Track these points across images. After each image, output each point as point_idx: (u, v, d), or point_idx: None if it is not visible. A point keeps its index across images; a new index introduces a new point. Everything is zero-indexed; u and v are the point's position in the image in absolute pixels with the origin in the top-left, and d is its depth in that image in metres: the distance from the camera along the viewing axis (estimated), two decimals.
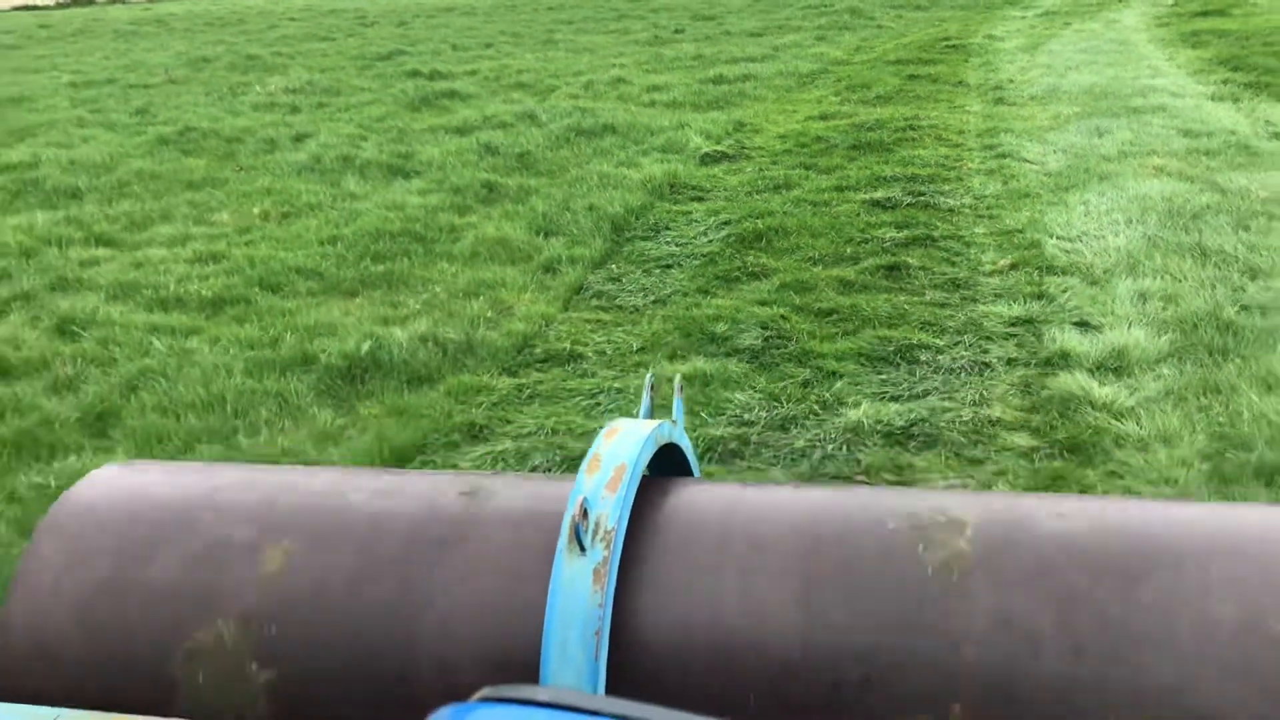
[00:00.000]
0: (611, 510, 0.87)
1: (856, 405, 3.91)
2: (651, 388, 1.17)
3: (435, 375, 4.46)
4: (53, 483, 3.67)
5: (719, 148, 8.40)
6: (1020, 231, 5.86)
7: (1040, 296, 4.89)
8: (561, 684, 0.81)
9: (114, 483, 1.06)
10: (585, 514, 0.86)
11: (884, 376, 4.18)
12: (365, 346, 4.63)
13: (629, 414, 3.86)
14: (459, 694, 0.63)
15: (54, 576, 0.97)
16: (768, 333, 4.64)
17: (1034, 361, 4.25)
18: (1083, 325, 4.55)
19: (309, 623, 0.92)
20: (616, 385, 4.30)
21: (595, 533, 0.86)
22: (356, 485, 1.01)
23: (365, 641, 0.89)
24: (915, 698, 0.81)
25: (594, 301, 5.33)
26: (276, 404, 4.22)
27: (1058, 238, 5.70)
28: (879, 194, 6.67)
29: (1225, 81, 9.90)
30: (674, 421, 1.06)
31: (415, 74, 13.16)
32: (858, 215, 6.27)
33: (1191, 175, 6.63)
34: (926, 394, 4.01)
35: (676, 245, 6.11)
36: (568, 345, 4.74)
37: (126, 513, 1.01)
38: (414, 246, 6.19)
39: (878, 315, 4.76)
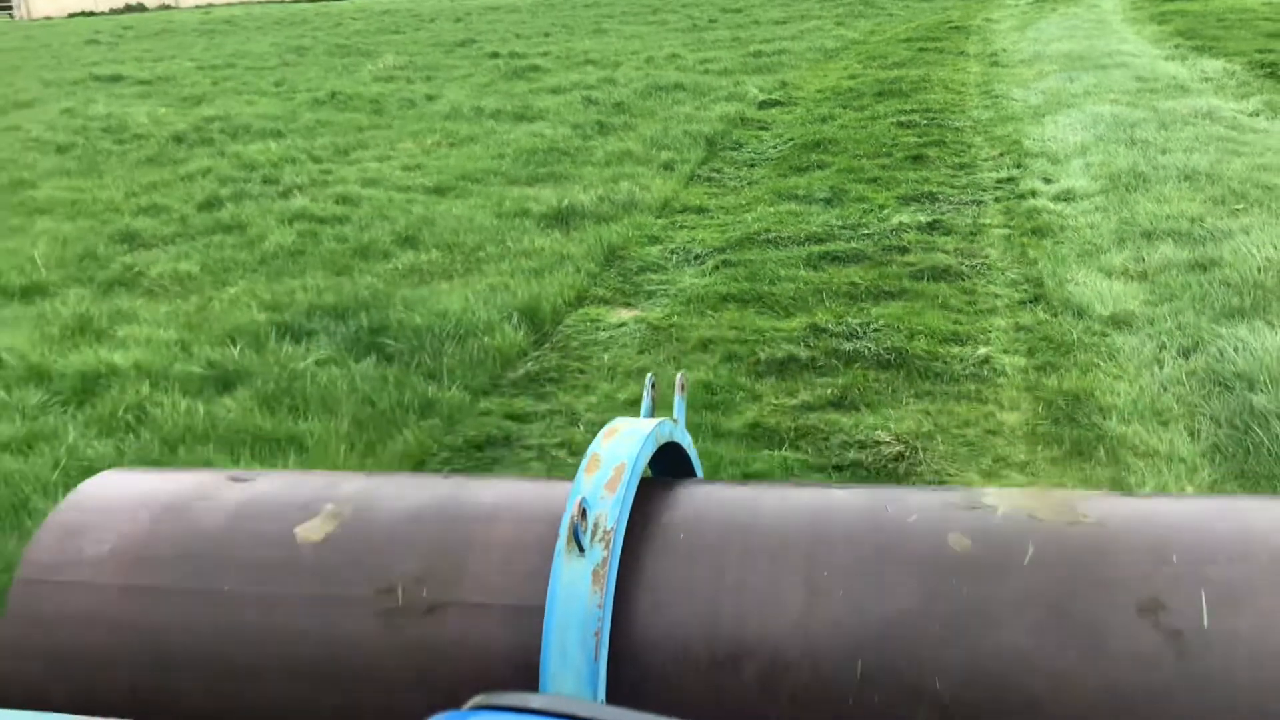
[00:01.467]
0: (610, 510, 0.85)
1: (897, 216, 6.17)
2: (652, 386, 1.11)
3: (615, 217, 6.70)
4: (394, 265, 5.88)
5: (772, 97, 10.67)
6: (1007, 136, 8.13)
7: (1018, 167, 7.16)
8: (561, 686, 0.80)
9: (115, 487, 1.04)
10: (584, 514, 0.84)
11: (915, 206, 6.43)
12: (564, 202, 6.88)
13: (743, 233, 6.08)
14: (457, 698, 0.63)
15: (55, 579, 0.95)
16: (832, 192, 6.89)
17: (1011, 198, 6.51)
18: (1045, 180, 6.81)
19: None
20: (733, 221, 6.52)
21: (594, 533, 0.84)
22: (353, 488, 1.00)
23: (363, 645, 0.88)
24: (919, 699, 0.80)
25: (705, 184, 7.58)
26: (518, 232, 6.46)
27: (1033, 139, 7.95)
28: (902, 119, 8.93)
29: (1177, 46, 12.17)
30: (675, 420, 1.04)
31: (495, 55, 15.44)
32: (888, 131, 8.54)
33: (1136, 103, 8.87)
34: (943, 212, 6.26)
35: (755, 153, 8.37)
36: (696, 202, 6.99)
37: (129, 516, 0.99)
38: (562, 158, 8.44)
39: (908, 180, 7.02)
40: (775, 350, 4.47)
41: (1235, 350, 4.03)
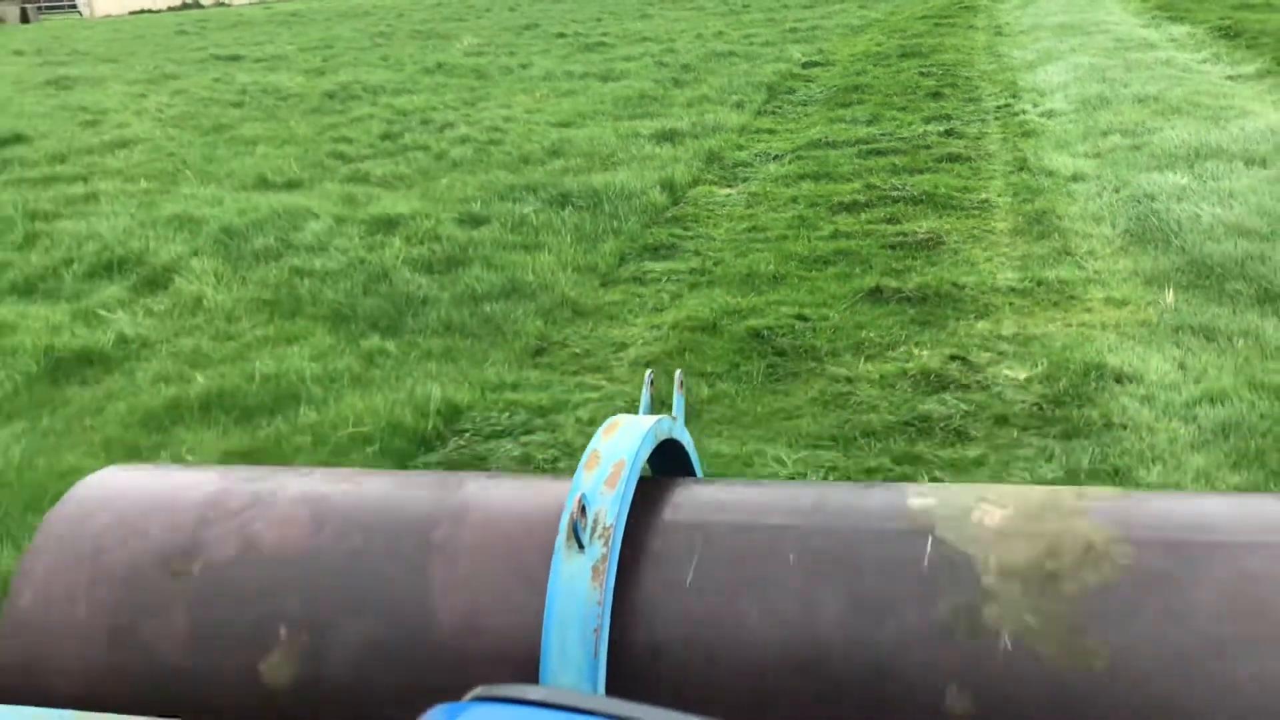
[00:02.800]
0: (610, 507, 0.85)
1: (922, 128, 8.34)
2: (651, 383, 1.11)
3: (707, 135, 8.88)
4: (551, 167, 8.06)
5: (813, 59, 12.85)
6: (1006, 79, 10.30)
7: (1014, 98, 9.33)
8: (561, 683, 0.81)
9: (114, 484, 1.05)
10: (583, 511, 0.85)
11: (934, 122, 8.60)
12: (665, 127, 9.08)
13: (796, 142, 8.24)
14: (456, 693, 0.64)
15: (54, 578, 0.95)
16: (871, 116, 9.05)
17: (1007, 115, 8.67)
18: (1033, 105, 8.98)
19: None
20: (798, 136, 8.68)
21: (594, 530, 0.84)
22: (353, 485, 1.00)
23: (363, 642, 0.89)
24: (920, 695, 0.79)
25: (770, 115, 9.76)
26: (636, 145, 8.64)
27: (1026, 81, 10.12)
28: (922, 71, 11.11)
29: (1154, 16, 14.31)
30: (674, 417, 1.04)
31: (561, 35, 17.64)
32: (911, 79, 10.71)
33: (1110, 57, 11.02)
34: (956, 125, 8.44)
35: (805, 96, 10.55)
36: (766, 127, 9.18)
37: (128, 513, 0.99)
38: (651, 102, 10.63)
39: (928, 108, 9.19)
40: (842, 199, 6.65)
41: (1145, 184, 6.20)
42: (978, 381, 4.07)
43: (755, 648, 0.84)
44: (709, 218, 6.70)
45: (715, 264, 5.75)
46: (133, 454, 3.96)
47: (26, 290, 5.91)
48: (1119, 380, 3.96)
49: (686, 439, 1.06)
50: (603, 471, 0.88)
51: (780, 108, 10.09)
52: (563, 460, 3.80)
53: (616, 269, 5.80)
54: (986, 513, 0.87)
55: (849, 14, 18.36)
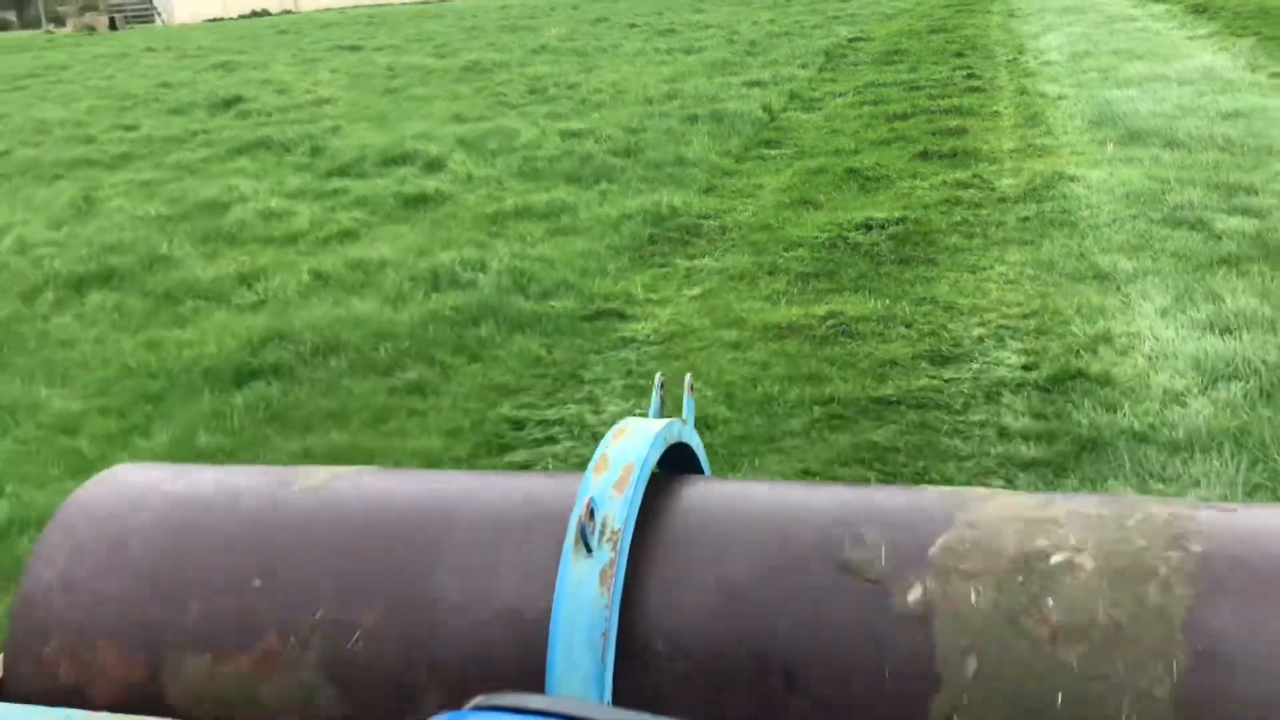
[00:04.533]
0: (619, 511, 0.85)
1: (949, 73, 11.14)
2: (661, 386, 1.11)
3: (782, 83, 11.67)
4: (678, 103, 10.88)
5: (856, 36, 15.66)
6: (1014, 43, 13.08)
7: (1020, 54, 12.11)
8: (567, 687, 0.80)
9: (124, 482, 1.04)
10: (591, 515, 0.84)
11: (959, 71, 11.38)
12: (751, 78, 11.89)
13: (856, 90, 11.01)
14: (463, 697, 0.63)
15: (63, 577, 0.95)
16: (909, 69, 11.84)
17: (1013, 64, 11.45)
18: (1034, 58, 11.76)
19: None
20: (854, 81, 11.45)
21: (602, 534, 0.84)
22: (362, 483, 1.00)
23: (369, 643, 0.88)
24: (935, 700, 0.79)
25: (830, 71, 12.57)
26: (732, 89, 11.44)
27: (1029, 44, 12.90)
28: (947, 40, 13.89)
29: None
30: (684, 420, 1.05)
31: (633, 25, 20.49)
32: (939, 46, 13.50)
33: (1098, 26, 13.78)
34: (975, 71, 11.22)
35: (855, 59, 13.35)
36: (828, 78, 11.98)
37: (138, 511, 0.99)
38: (732, 65, 13.44)
39: (953, 63, 11.97)
40: (894, 112, 9.43)
41: (1107, 96, 8.97)
42: (989, 185, 6.85)
43: (765, 652, 0.82)
44: (799, 128, 9.50)
45: (811, 148, 8.55)
46: (475, 233, 6.72)
47: (343, 174, 8.75)
48: (1072, 180, 6.73)
49: (696, 442, 1.06)
50: (611, 475, 0.87)
51: (837, 66, 12.89)
52: (731, 231, 6.54)
53: (745, 153, 8.61)
54: (994, 508, 0.86)
55: (882, 4, 21.13)
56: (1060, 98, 9.48)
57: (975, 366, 4.26)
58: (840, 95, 10.84)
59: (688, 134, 9.19)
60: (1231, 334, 4.24)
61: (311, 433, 4.16)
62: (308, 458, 3.91)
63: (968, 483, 3.44)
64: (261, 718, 0.88)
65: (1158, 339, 4.31)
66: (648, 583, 0.87)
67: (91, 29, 40.37)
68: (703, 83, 12.07)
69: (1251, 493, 3.24)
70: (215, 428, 4.24)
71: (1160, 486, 3.30)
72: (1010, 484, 3.40)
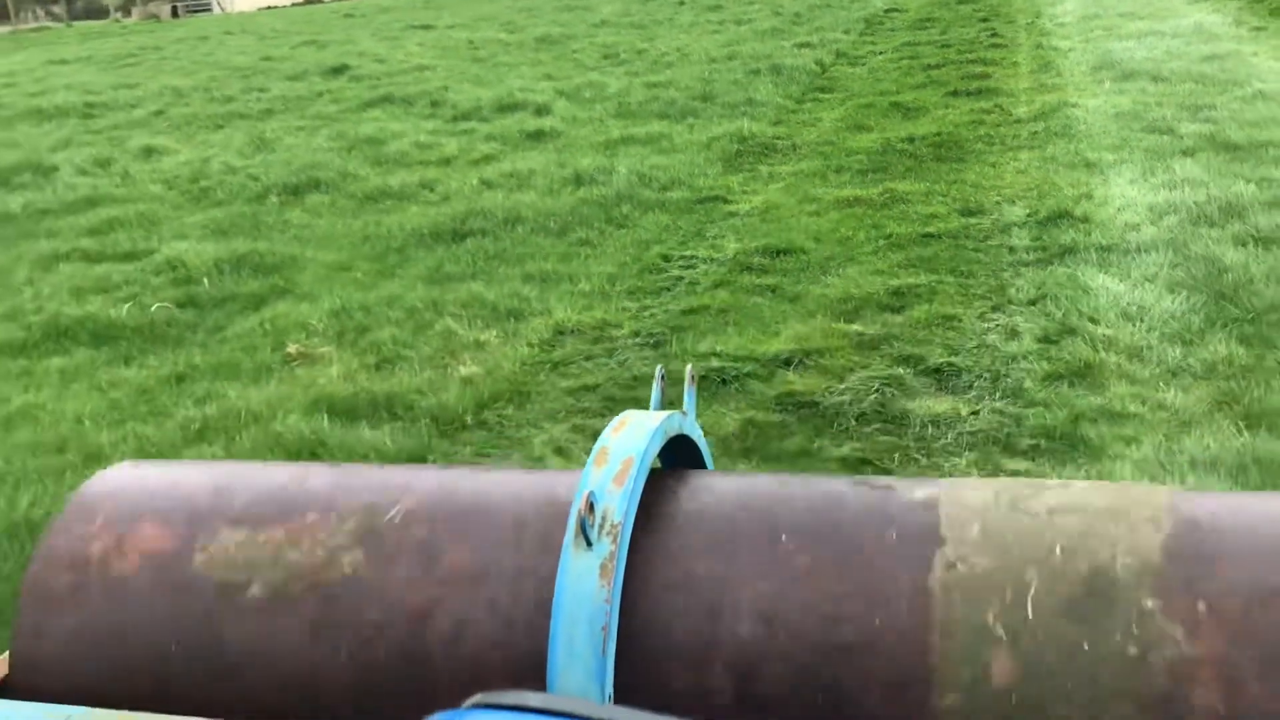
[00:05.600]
0: (619, 504, 0.85)
1: (976, 34, 12.78)
2: (662, 378, 1.12)
3: (827, 45, 13.34)
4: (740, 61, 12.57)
5: (890, 6, 17.29)
6: (1034, 11, 14.69)
7: (1038, 18, 13.72)
8: (568, 680, 0.80)
9: (128, 480, 1.05)
10: (592, 508, 0.85)
11: (985, 33, 13.02)
12: (800, 41, 13.57)
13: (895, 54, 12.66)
14: (463, 694, 0.64)
15: (69, 576, 0.96)
16: (939, 32, 13.47)
17: (1031, 27, 13.07)
18: (1050, 20, 13.37)
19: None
20: (892, 41, 13.09)
21: (602, 527, 0.84)
22: (355, 478, 1.01)
23: (371, 639, 0.89)
24: (938, 699, 0.78)
25: (870, 36, 14.21)
26: (785, 49, 13.12)
27: (1047, 11, 14.50)
28: (975, 9, 15.51)
29: None
30: (684, 413, 1.05)
31: (681, 3, 22.13)
32: (967, 15, 15.12)
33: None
34: (996, 32, 12.86)
35: (892, 25, 14.98)
36: (869, 40, 13.64)
37: (143, 509, 0.99)
38: (781, 33, 15.09)
39: (980, 25, 13.59)
40: (928, 63, 11.09)
41: (1109, 48, 10.60)
42: (1006, 112, 8.52)
43: (766, 643, 0.83)
44: (847, 78, 11.17)
45: (859, 91, 10.22)
46: (594, 155, 8.42)
47: (466, 118, 10.49)
48: (1073, 107, 8.38)
49: (697, 434, 1.06)
50: (611, 468, 0.88)
51: (875, 32, 14.53)
52: (800, 148, 8.24)
53: (803, 96, 10.30)
54: (992, 502, 0.85)
55: None
56: (1070, 50, 11.11)
57: (993, 216, 5.96)
58: (880, 54, 12.49)
59: (753, 83, 10.89)
60: (1176, 190, 5.92)
61: (523, 264, 5.91)
62: (528, 280, 5.65)
63: (985, 273, 5.14)
64: (272, 712, 0.88)
65: (1125, 196, 6.00)
66: (648, 575, 0.87)
67: (155, 17, 42.37)
68: (757, 46, 13.74)
69: (1172, 270, 4.92)
70: (453, 262, 6.00)
71: (1114, 271, 4.99)
72: (1015, 275, 5.08)
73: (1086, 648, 0.78)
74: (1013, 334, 4.39)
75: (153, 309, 5.50)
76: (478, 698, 0.57)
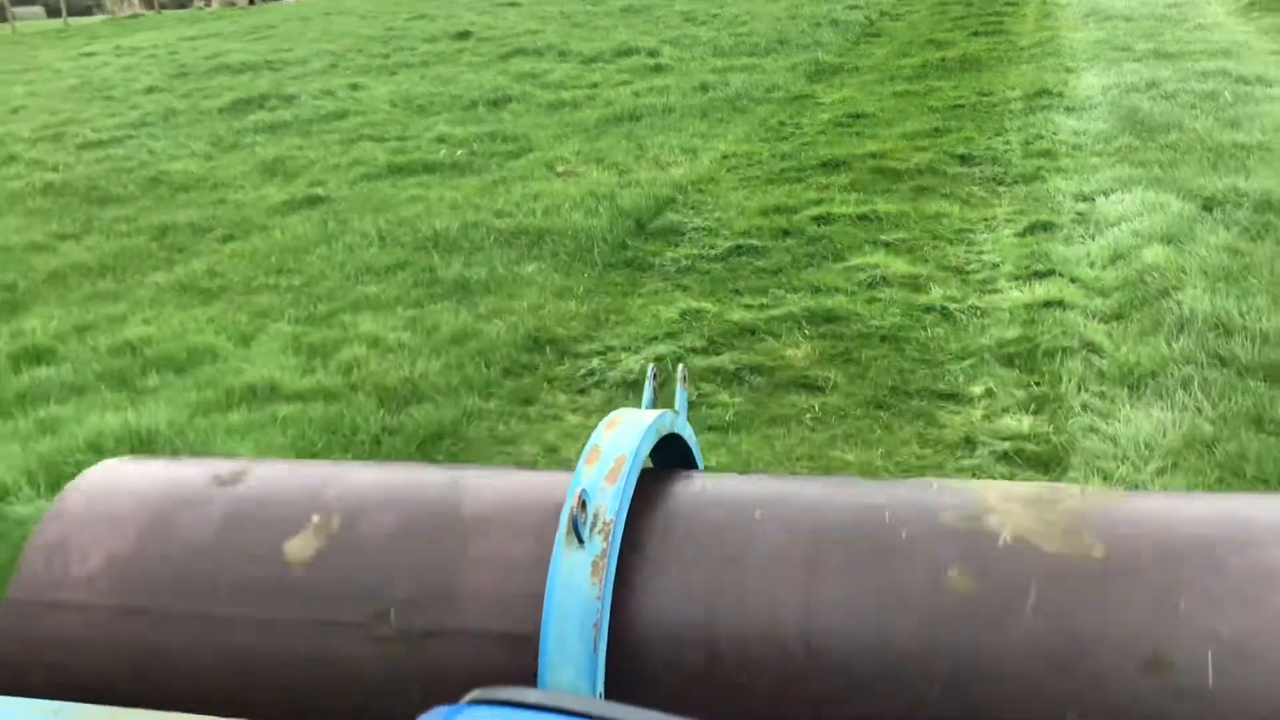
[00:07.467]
0: (610, 502, 0.85)
1: (994, 8, 15.75)
2: (653, 377, 1.11)
3: (866, 7, 16.28)
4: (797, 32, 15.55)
5: None
6: None
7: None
8: (560, 677, 0.81)
9: (121, 473, 1.05)
10: (584, 506, 0.85)
11: (1003, 4, 15.98)
12: (847, 5, 16.54)
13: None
14: (453, 691, 0.64)
15: (60, 568, 0.96)
16: (966, 6, 16.43)
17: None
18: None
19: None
20: (924, 11, 16.02)
21: (594, 525, 0.84)
22: (349, 476, 1.00)
23: (365, 637, 0.89)
24: (921, 699, 0.79)
25: (899, 14, 17.16)
26: (820, 17, 16.08)
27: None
28: None
29: None
30: (676, 412, 1.04)
31: None
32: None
33: None
34: (1012, 6, 15.83)
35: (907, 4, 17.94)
36: (906, 4, 16.59)
37: (137, 502, 0.99)
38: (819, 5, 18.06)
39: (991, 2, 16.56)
40: (955, 15, 14.04)
41: (1100, 4, 13.52)
42: (1013, 44, 11.49)
43: (756, 643, 0.83)
44: (890, 28, 14.14)
45: (901, 36, 13.19)
46: (708, 75, 11.43)
47: (594, 61, 13.50)
48: (1063, 38, 11.34)
49: (689, 433, 1.07)
50: (603, 466, 0.88)
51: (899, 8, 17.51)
52: (861, 70, 11.22)
53: (857, 41, 13.28)
54: (984, 544, 0.84)
55: None
56: (1068, 4, 14.04)
57: (999, 95, 8.95)
58: (915, 12, 15.45)
59: (816, 32, 13.89)
60: (1121, 78, 8.90)
61: (683, 131, 8.93)
62: (692, 136, 8.67)
63: (991, 120, 8.13)
64: (268, 708, 0.89)
65: (1087, 83, 8.98)
66: (640, 574, 0.88)
67: (232, 3, 45.68)
68: (813, 9, 16.72)
69: (1107, 114, 7.88)
70: (638, 131, 9.04)
71: (1071, 116, 7.96)
72: (1010, 120, 8.05)
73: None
74: (1007, 143, 7.40)
75: (456, 154, 8.58)
76: (475, 693, 0.58)
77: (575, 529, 0.83)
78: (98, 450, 3.85)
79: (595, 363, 4.57)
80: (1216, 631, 0.75)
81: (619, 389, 4.32)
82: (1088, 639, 0.77)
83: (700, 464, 1.09)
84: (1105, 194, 5.99)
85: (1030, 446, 3.52)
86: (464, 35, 17.86)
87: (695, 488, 0.96)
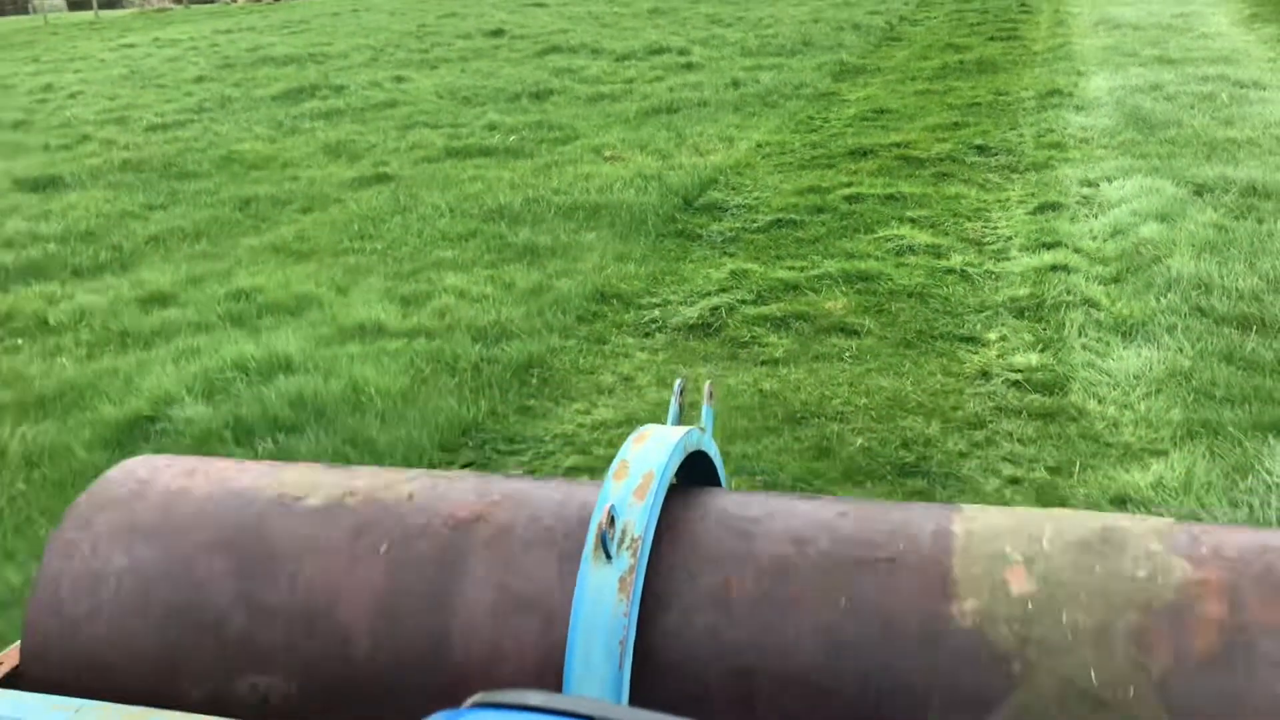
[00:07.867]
0: (639, 518, 0.86)
1: (1007, 1, 16.38)
2: (680, 393, 1.12)
3: (887, 13, 16.96)
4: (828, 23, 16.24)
5: None
6: None
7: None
8: (585, 693, 0.81)
9: (140, 474, 1.06)
10: (612, 521, 0.84)
11: (1019, 7, 16.61)
12: (879, 8, 17.21)
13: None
14: (481, 688, 0.65)
15: (80, 569, 0.96)
16: (982, 4, 17.07)
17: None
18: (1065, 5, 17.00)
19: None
20: (941, 18, 16.69)
21: (622, 541, 0.85)
22: (378, 483, 1.00)
23: (391, 645, 0.90)
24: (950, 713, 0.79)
25: (924, 8, 17.83)
26: (842, 22, 16.77)
27: None
28: None
29: None
30: (702, 428, 1.06)
31: None
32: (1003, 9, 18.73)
33: None
34: (1026, 1, 16.46)
35: (926, 10, 18.59)
36: (925, 11, 17.26)
37: (155, 504, 1.00)
38: (854, 4, 18.73)
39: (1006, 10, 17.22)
40: (972, 22, 14.71)
41: (1108, 10, 14.17)
42: (1028, 49, 12.14)
43: (777, 663, 0.83)
44: (910, 33, 14.79)
45: (920, 40, 13.84)
46: (738, 73, 12.10)
47: (627, 59, 14.19)
48: (1075, 44, 11.99)
49: (714, 450, 1.07)
50: (632, 482, 0.88)
51: (930, 4, 18.13)
52: (884, 71, 11.88)
53: (879, 44, 13.93)
54: (1013, 529, 0.86)
55: None
56: (1079, 14, 14.69)
57: (1012, 95, 9.60)
58: (933, 18, 16.10)
59: (839, 36, 14.55)
60: (1127, 80, 9.55)
61: (718, 123, 9.59)
62: (728, 127, 9.34)
63: (1006, 116, 8.79)
64: (287, 714, 0.88)
65: (1095, 84, 9.63)
66: (666, 591, 0.87)
67: None
68: (836, 13, 17.38)
69: (1113, 111, 8.53)
70: (676, 122, 9.70)
71: (1080, 113, 8.61)
72: (1024, 116, 8.71)
73: (1098, 570, 0.81)
74: (1020, 135, 8.06)
75: (510, 139, 9.26)
76: (478, 697, 0.58)
77: (604, 544, 0.84)
78: (243, 369, 4.52)
79: (656, 313, 5.23)
80: None
81: (679, 332, 4.98)
82: None
83: (724, 480, 1.11)
84: (1108, 180, 6.64)
85: (1038, 376, 4.18)
86: (498, 33, 18.55)
87: (723, 504, 0.96)
